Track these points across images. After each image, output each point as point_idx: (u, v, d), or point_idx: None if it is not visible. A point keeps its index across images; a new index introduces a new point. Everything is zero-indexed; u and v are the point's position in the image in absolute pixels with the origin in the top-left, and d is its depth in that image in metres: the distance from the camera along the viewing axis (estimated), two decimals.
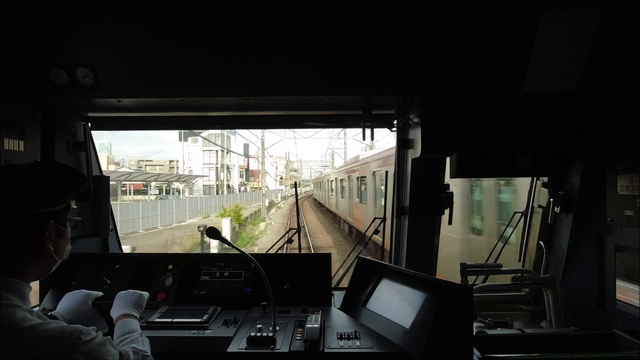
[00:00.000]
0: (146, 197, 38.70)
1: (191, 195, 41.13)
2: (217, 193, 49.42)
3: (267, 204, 31.86)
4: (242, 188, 59.44)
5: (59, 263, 1.19)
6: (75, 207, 1.23)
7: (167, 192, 41.94)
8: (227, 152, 55.80)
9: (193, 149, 58.61)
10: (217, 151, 55.51)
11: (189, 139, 57.45)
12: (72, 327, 1.02)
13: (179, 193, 41.54)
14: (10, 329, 0.94)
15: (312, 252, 12.28)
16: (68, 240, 1.21)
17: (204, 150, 56.74)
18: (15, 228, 1.05)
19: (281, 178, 55.23)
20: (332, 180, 25.25)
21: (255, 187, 59.71)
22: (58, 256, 1.16)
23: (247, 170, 65.83)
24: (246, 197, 42.22)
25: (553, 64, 1.64)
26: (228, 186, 57.56)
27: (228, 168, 59.66)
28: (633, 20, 1.50)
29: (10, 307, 0.99)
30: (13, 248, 1.06)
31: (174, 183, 41.25)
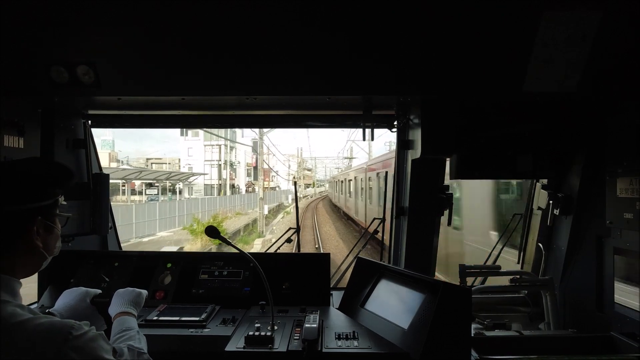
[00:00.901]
0: (125, 197, 31.11)
1: (190, 197, 36.98)
2: (220, 193, 41.92)
3: (267, 212, 24.88)
4: (250, 188, 52.02)
5: (49, 260, 1.18)
6: (64, 203, 1.22)
7: (173, 192, 36.87)
8: (231, 148, 48.70)
9: (193, 144, 48.97)
10: (220, 146, 46.31)
11: (189, 132, 48.38)
12: (63, 322, 1.01)
13: (177, 194, 35.58)
14: None
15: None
16: (58, 236, 1.20)
17: (205, 145, 47.20)
18: (0, 224, 1.04)
19: (294, 177, 50.47)
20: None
21: (265, 187, 56.19)
22: (48, 253, 1.15)
23: (255, 168, 52.95)
24: (252, 199, 36.45)
25: (553, 64, 1.63)
26: (233, 186, 49.41)
27: (232, 165, 50.75)
28: (633, 21, 1.50)
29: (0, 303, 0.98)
30: (0, 244, 1.05)
31: (177, 182, 35.68)
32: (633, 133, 1.87)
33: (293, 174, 53.40)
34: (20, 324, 0.95)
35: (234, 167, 50.27)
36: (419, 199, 2.32)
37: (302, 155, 59.37)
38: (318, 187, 77.33)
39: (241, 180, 52.67)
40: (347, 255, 2.73)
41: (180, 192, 37.99)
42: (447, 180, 2.36)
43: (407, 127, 2.32)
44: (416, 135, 2.06)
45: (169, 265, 2.28)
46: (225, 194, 42.16)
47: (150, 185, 36.34)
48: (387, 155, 13.77)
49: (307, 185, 74.46)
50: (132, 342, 1.26)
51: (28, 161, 1.27)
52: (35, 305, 2.12)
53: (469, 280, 2.52)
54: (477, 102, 2.06)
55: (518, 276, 2.32)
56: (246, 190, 48.89)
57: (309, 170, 73.53)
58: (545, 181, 2.47)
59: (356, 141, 44.61)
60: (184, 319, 1.85)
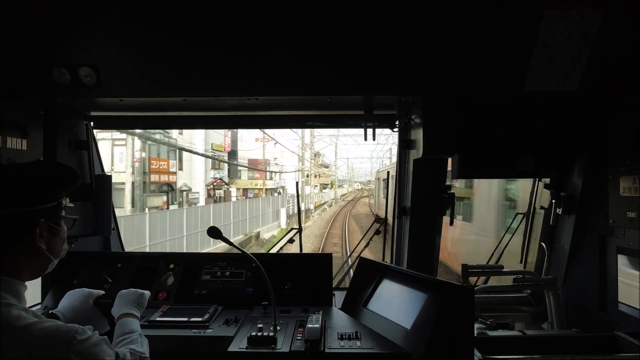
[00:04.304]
0: None
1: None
2: (133, 205, 16.79)
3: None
4: (219, 192, 28.59)
5: (55, 262, 1.18)
6: (70, 205, 1.21)
7: None
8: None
9: None
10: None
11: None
12: (67, 326, 1.01)
13: None
14: (5, 327, 0.94)
15: None
16: (63, 239, 1.20)
17: None
18: (2, 226, 1.04)
19: (307, 176, 31.96)
20: None
21: (259, 189, 33.13)
22: (53, 255, 1.15)
23: (231, 154, 29.99)
24: (207, 216, 16.59)
25: (554, 64, 1.63)
26: (170, 188, 22.28)
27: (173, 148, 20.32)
28: (634, 19, 1.49)
29: (5, 305, 0.98)
30: (3, 246, 1.05)
31: None
32: (633, 133, 1.86)
33: (305, 170, 32.59)
34: (26, 328, 0.96)
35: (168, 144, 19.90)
36: (420, 199, 2.31)
37: (315, 145, 36.17)
38: (339, 186, 59.34)
39: (197, 178, 25.87)
40: (350, 255, 2.72)
41: None
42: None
43: (409, 127, 2.32)
44: (418, 135, 2.06)
45: (171, 266, 2.28)
46: (144, 207, 18.15)
47: None
48: None
49: (324, 186, 53.20)
50: (134, 345, 1.26)
51: (31, 164, 1.28)
52: (39, 306, 2.13)
53: (472, 280, 2.51)
54: (479, 102, 2.06)
55: (521, 276, 2.32)
56: (209, 195, 26.66)
57: (326, 167, 54.50)
58: (547, 180, 2.46)
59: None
60: (186, 319, 1.85)
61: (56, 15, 1.54)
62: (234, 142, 29.61)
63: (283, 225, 24.83)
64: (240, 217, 19.95)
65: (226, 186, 30.10)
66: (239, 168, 32.27)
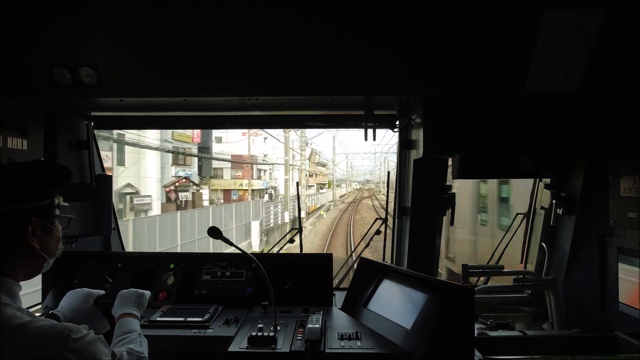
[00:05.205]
0: None
1: None
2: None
3: None
4: (185, 195, 21.62)
5: (50, 262, 1.17)
6: (65, 204, 1.21)
7: None
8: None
9: None
10: None
11: None
12: (62, 325, 1.01)
13: None
14: None
15: None
16: (58, 238, 1.19)
17: None
18: None
19: (306, 176, 27.01)
20: None
21: (244, 190, 27.03)
22: (47, 254, 1.15)
23: (202, 149, 22.79)
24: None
25: (555, 64, 1.63)
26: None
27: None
28: (635, 20, 1.49)
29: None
30: None
31: None
32: (633, 133, 1.87)
33: (293, 163, 24.59)
34: (20, 327, 0.95)
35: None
36: (421, 199, 2.32)
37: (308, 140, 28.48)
38: (337, 186, 52.97)
39: (152, 177, 18.87)
40: (350, 255, 2.73)
41: None
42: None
43: (409, 127, 2.32)
44: (418, 135, 2.06)
45: (171, 265, 2.28)
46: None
47: None
48: None
49: (321, 186, 49.70)
50: (132, 345, 1.26)
51: (23, 163, 1.28)
52: (39, 306, 2.13)
53: (472, 280, 2.51)
54: (479, 102, 2.07)
55: (521, 276, 2.32)
56: (169, 199, 20.53)
57: (323, 165, 50.98)
58: (548, 180, 2.47)
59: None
60: (186, 319, 1.85)
61: (56, 15, 1.54)
62: (206, 131, 22.60)
63: (255, 247, 17.21)
64: (188, 236, 13.12)
65: (195, 187, 22.99)
66: (214, 165, 25.57)
